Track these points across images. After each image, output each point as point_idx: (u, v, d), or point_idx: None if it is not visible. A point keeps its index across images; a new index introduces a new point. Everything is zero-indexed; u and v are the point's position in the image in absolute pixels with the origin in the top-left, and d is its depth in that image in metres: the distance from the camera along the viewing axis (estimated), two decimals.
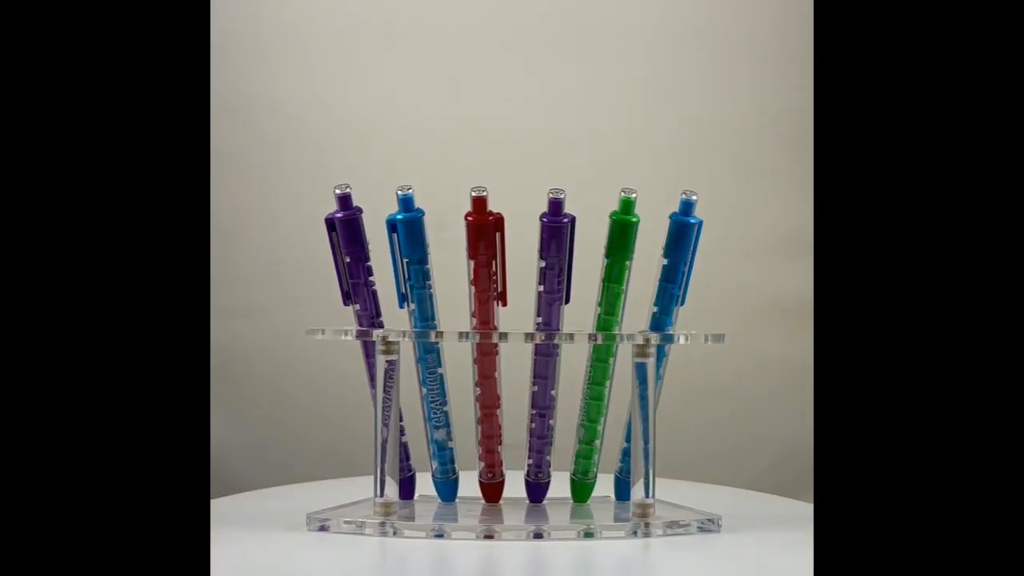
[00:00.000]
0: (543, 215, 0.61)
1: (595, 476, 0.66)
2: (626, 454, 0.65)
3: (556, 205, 0.60)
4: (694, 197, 0.61)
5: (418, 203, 0.63)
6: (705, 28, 1.07)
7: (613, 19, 1.07)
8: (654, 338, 0.60)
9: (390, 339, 0.61)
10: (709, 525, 0.61)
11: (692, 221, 0.62)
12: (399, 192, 0.62)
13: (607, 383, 0.64)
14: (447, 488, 0.67)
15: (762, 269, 1.07)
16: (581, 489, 0.66)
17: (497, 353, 0.64)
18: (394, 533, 0.59)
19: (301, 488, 0.76)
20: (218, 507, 0.67)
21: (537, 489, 0.66)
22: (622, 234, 0.62)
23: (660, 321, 0.63)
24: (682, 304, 0.63)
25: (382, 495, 0.60)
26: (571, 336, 0.61)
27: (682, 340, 0.61)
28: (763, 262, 1.07)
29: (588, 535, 0.59)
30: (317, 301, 1.07)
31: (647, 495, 0.60)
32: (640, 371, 0.60)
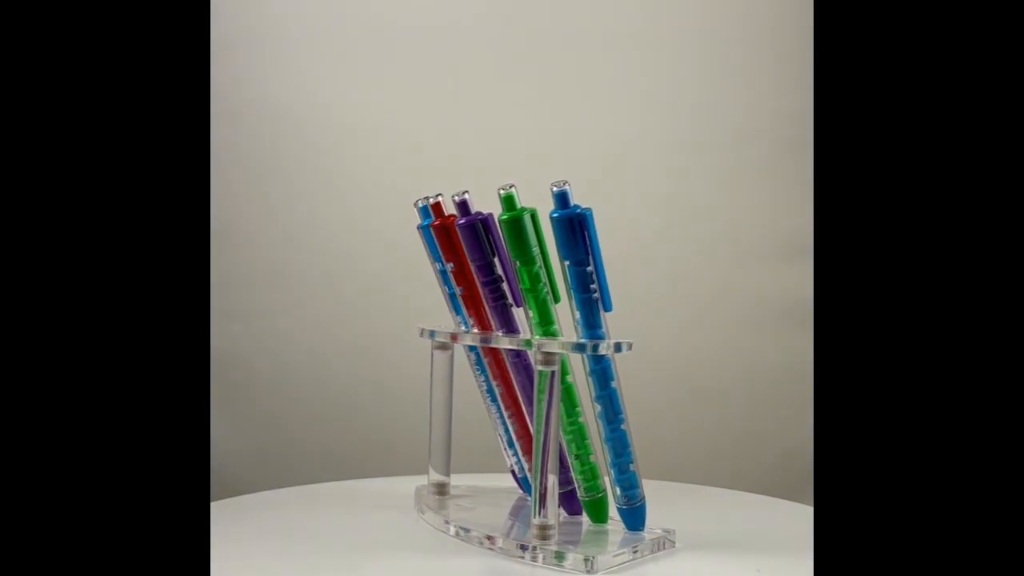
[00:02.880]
0: (456, 221, 0.59)
1: (604, 492, 0.61)
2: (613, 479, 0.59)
3: (463, 207, 0.59)
4: (567, 186, 0.54)
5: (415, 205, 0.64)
6: (705, 31, 1.07)
7: (612, 22, 1.07)
8: (545, 345, 0.55)
9: (439, 339, 0.66)
10: (584, 566, 0.54)
11: (577, 211, 0.54)
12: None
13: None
14: (525, 483, 0.67)
15: (761, 271, 1.07)
16: (589, 507, 0.61)
17: (500, 352, 0.64)
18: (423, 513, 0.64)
19: (300, 491, 0.76)
20: (218, 510, 0.67)
21: (564, 499, 0.62)
22: (517, 234, 0.55)
23: (585, 329, 0.56)
24: (606, 308, 0.56)
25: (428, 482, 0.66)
26: (488, 339, 0.60)
27: (594, 350, 0.55)
28: (762, 264, 1.07)
29: (559, 556, 0.55)
30: (317, 304, 1.07)
31: (536, 515, 0.56)
32: (541, 380, 0.55)
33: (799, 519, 0.68)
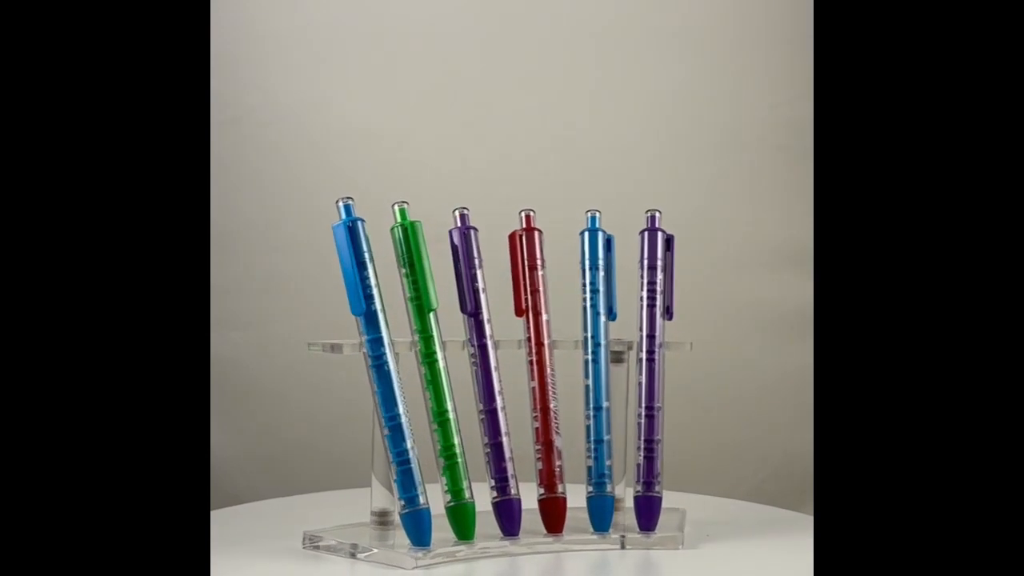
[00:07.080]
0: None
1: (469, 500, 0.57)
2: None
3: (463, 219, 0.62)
4: (350, 201, 0.60)
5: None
6: (704, 38, 1.07)
7: (610, 28, 1.07)
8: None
9: None
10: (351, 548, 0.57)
11: (341, 223, 0.60)
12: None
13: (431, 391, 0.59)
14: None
15: (761, 278, 1.07)
16: (448, 516, 0.57)
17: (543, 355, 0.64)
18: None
19: (300, 499, 0.76)
20: (217, 519, 0.67)
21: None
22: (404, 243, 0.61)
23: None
24: (352, 311, 0.61)
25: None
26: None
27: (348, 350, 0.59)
28: (763, 273, 1.07)
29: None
30: (316, 311, 1.07)
31: (374, 506, 0.58)
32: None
33: (799, 529, 0.68)
